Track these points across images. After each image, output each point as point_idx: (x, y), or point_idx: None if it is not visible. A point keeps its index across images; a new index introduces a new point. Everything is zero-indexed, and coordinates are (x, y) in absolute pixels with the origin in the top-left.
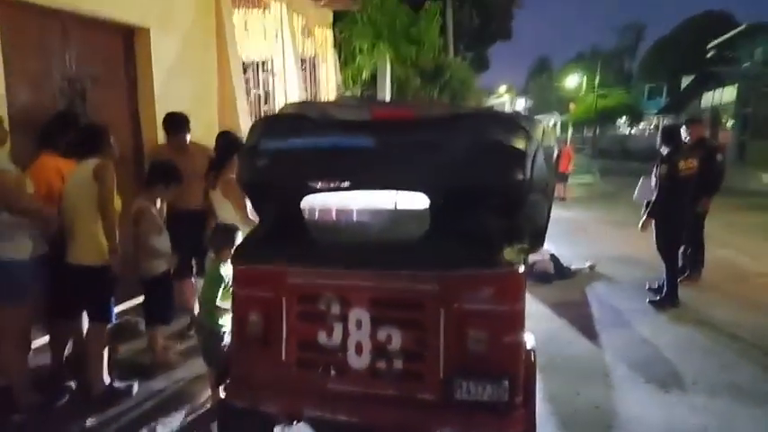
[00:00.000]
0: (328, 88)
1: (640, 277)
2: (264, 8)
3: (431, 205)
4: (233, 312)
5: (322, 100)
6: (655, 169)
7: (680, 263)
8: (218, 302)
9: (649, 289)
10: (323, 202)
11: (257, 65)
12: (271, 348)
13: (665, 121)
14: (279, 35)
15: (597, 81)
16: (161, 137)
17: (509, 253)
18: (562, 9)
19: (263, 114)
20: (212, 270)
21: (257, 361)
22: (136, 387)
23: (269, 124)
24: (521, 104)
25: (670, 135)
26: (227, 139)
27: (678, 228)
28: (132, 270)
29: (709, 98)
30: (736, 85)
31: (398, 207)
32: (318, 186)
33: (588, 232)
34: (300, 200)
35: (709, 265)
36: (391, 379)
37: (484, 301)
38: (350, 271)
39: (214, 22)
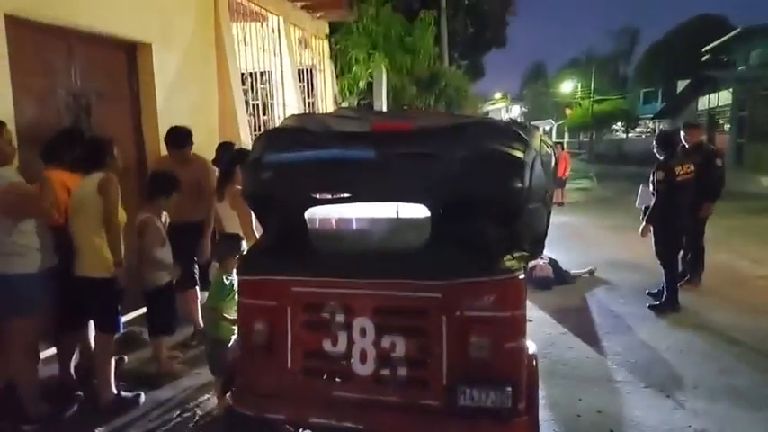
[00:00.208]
0: (325, 98)
1: (640, 282)
2: (262, 21)
3: (432, 214)
4: (239, 322)
5: (320, 110)
6: (651, 175)
7: (680, 267)
8: (224, 312)
9: (649, 294)
10: (326, 213)
11: (256, 76)
12: (276, 357)
13: (662, 125)
14: (276, 47)
15: (593, 86)
16: (164, 149)
17: (509, 260)
18: (556, 16)
19: (261, 124)
20: (217, 280)
21: (263, 369)
22: (143, 397)
23: (271, 138)
24: (516, 111)
25: (666, 140)
26: (230, 152)
27: (677, 233)
28: (136, 281)
29: (705, 102)
30: (732, 89)
31: (400, 216)
32: (320, 198)
33: (587, 237)
34: (304, 211)
35: (709, 269)
36: (395, 386)
37: (485, 308)
38: (353, 280)
39: (213, 36)
